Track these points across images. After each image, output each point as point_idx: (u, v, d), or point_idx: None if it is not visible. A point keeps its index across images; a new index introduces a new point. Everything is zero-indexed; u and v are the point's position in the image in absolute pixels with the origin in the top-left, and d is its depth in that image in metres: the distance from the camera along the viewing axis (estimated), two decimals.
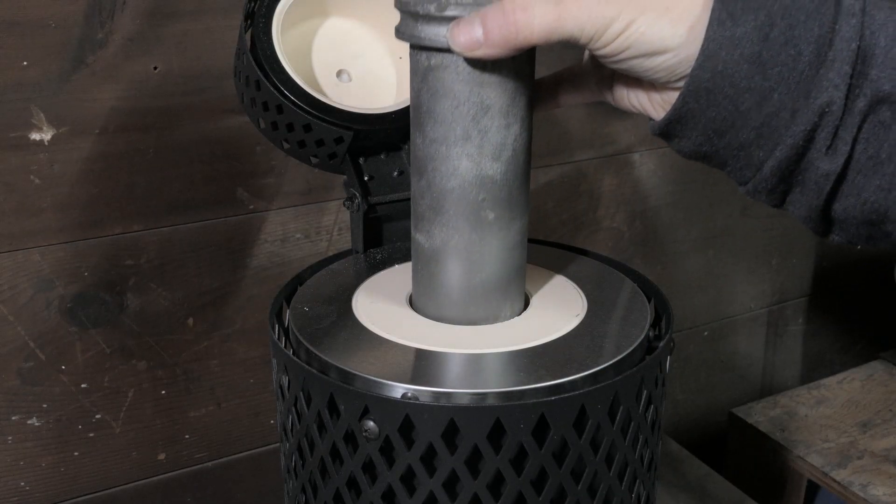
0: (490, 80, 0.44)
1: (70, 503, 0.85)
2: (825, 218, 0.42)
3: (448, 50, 0.43)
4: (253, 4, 0.58)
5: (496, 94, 0.45)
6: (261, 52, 0.56)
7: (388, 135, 0.59)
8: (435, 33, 0.43)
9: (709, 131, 0.41)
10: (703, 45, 0.39)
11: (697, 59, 0.39)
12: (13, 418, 0.80)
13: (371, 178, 0.59)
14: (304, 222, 0.88)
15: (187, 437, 0.89)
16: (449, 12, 0.42)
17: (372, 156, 0.60)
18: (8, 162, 0.74)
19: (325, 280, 0.56)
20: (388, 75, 0.63)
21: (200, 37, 0.78)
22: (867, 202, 0.39)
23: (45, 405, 0.81)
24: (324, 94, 0.58)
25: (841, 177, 0.40)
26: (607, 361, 0.45)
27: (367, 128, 0.57)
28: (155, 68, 0.77)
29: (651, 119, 0.45)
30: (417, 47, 0.45)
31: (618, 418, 0.44)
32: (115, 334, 0.82)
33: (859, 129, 0.39)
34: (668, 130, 0.42)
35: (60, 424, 0.82)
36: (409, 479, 0.44)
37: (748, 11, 0.39)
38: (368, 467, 0.44)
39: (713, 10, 0.39)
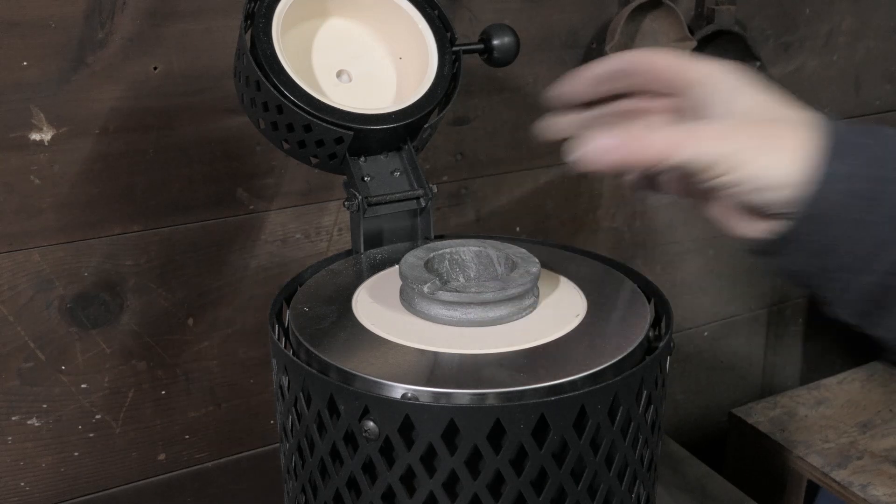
0: None
1: (70, 503, 0.85)
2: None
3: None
4: (253, 5, 0.58)
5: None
6: (261, 52, 0.56)
7: (388, 135, 0.59)
8: (429, 309, 0.49)
9: (814, 251, 0.42)
10: (818, 179, 0.40)
11: (815, 190, 0.40)
12: (13, 418, 0.80)
13: (371, 178, 0.59)
14: (304, 222, 0.88)
15: (187, 437, 0.89)
16: (440, 297, 0.48)
17: (372, 156, 0.60)
18: (8, 162, 0.74)
19: (325, 280, 0.56)
20: (387, 75, 0.63)
21: (200, 37, 0.78)
22: None
23: (45, 405, 0.81)
24: (324, 95, 0.58)
25: None
26: (607, 361, 0.45)
27: (367, 128, 0.57)
28: (155, 68, 0.77)
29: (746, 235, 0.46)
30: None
31: (618, 419, 0.44)
32: (115, 334, 0.82)
33: None
34: (770, 250, 0.44)
35: (60, 425, 0.82)
36: (409, 479, 0.44)
37: (848, 150, 0.40)
38: (368, 467, 0.44)
39: (824, 146, 0.40)
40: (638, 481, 0.48)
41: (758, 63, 1.04)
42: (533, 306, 0.50)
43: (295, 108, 0.55)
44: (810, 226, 0.41)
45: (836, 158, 0.40)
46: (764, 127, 0.42)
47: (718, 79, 0.45)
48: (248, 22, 0.57)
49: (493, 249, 0.52)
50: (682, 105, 0.47)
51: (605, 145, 0.43)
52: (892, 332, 0.43)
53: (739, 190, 0.42)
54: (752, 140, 0.42)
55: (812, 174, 0.40)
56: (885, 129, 0.42)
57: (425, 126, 0.60)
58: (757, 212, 0.44)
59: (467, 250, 0.53)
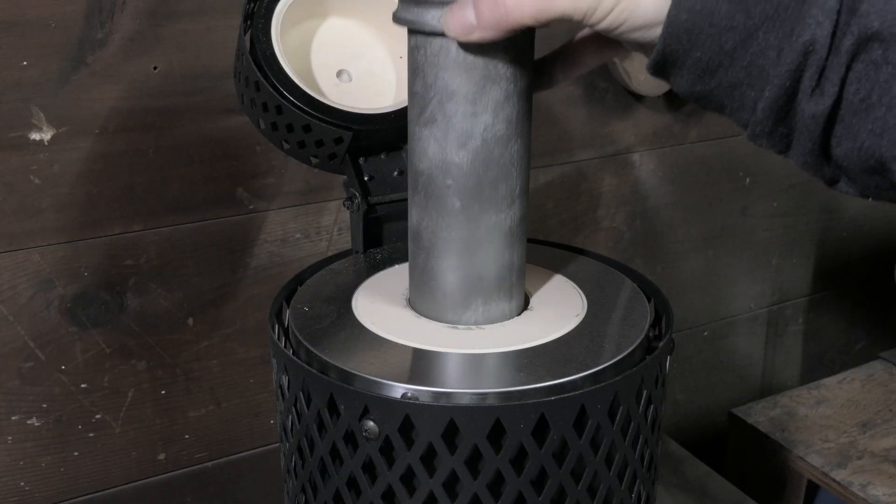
0: (455, 65, 0.44)
1: (70, 503, 0.85)
2: (829, 164, 0.40)
3: (426, 32, 0.43)
4: (252, 5, 0.58)
5: (461, 80, 0.44)
6: (260, 52, 0.56)
7: (388, 135, 0.59)
8: (415, 14, 0.44)
9: (697, 71, 0.40)
10: None
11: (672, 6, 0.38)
12: (13, 418, 0.80)
13: (371, 178, 0.59)
14: (304, 222, 0.88)
15: (187, 437, 0.89)
16: None
17: (372, 156, 0.60)
18: (8, 162, 0.74)
19: (325, 280, 0.56)
20: (387, 75, 0.63)
21: (200, 37, 0.78)
22: (863, 147, 0.37)
23: (45, 405, 0.81)
24: (323, 95, 0.58)
25: (832, 119, 0.38)
26: (607, 361, 0.45)
27: (367, 128, 0.57)
28: (155, 68, 0.77)
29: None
30: (407, 29, 0.45)
31: (618, 418, 0.44)
32: (115, 334, 0.82)
33: (848, 68, 0.36)
34: (658, 72, 0.41)
35: (60, 424, 0.82)
36: (409, 479, 0.44)
37: None
38: (368, 467, 0.44)
39: None
40: (638, 481, 0.48)
41: None
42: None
43: (294, 109, 0.55)
44: (683, 40, 0.39)
45: None
46: None
47: None
48: (248, 22, 0.57)
49: None
50: None
51: (465, 22, 0.41)
52: (799, 153, 0.40)
53: (626, 29, 0.40)
54: None
55: None
56: None
57: None
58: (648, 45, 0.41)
59: None
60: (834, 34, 0.36)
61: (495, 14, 0.40)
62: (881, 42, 0.35)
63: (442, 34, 0.43)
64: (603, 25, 0.40)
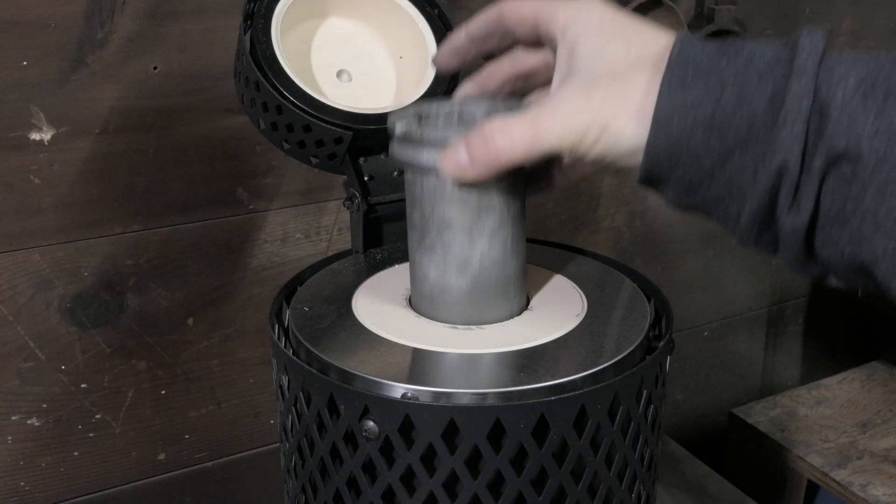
0: (451, 199, 0.46)
1: (70, 503, 0.85)
2: (816, 264, 0.41)
3: (422, 170, 0.46)
4: (252, 5, 0.58)
5: (457, 212, 0.46)
6: (260, 53, 0.56)
7: (388, 135, 0.59)
8: (410, 153, 0.46)
9: (681, 187, 0.42)
10: (654, 115, 0.40)
11: (651, 128, 0.40)
12: (13, 418, 0.80)
13: (371, 178, 0.59)
14: (304, 222, 0.88)
15: (187, 437, 0.89)
16: (412, 134, 0.45)
17: (372, 156, 0.60)
18: (8, 162, 0.74)
19: (325, 280, 0.56)
20: (388, 75, 0.63)
21: (200, 37, 0.78)
22: (844, 253, 0.39)
23: (45, 405, 0.81)
24: (323, 95, 0.58)
25: (812, 229, 0.39)
26: (607, 361, 0.45)
27: (367, 128, 0.57)
28: (155, 68, 0.77)
29: None
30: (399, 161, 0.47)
31: (618, 418, 0.44)
32: (115, 334, 0.82)
33: (821, 184, 0.38)
34: (645, 185, 0.43)
35: (60, 424, 0.82)
36: (409, 479, 0.44)
37: (699, 77, 0.40)
38: (368, 467, 0.44)
39: (663, 80, 0.40)
40: (638, 481, 0.48)
41: None
42: None
43: (294, 109, 0.55)
44: (663, 165, 0.41)
45: (676, 87, 0.40)
46: (617, 84, 0.41)
47: (581, 26, 0.44)
48: (248, 22, 0.57)
49: (504, 107, 0.50)
50: (555, 57, 0.45)
51: (459, 163, 0.43)
52: (787, 258, 0.41)
53: (612, 158, 0.42)
54: (605, 103, 0.41)
55: (655, 122, 0.40)
56: (748, 43, 0.40)
57: None
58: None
59: (478, 107, 0.51)
60: (804, 154, 0.38)
61: (487, 155, 0.42)
62: (849, 160, 0.37)
63: (436, 172, 0.45)
64: (589, 157, 0.42)
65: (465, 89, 0.52)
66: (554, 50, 0.46)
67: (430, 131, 0.45)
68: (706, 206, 0.42)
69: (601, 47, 0.43)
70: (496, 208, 0.47)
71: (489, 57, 0.51)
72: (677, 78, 0.40)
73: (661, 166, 0.41)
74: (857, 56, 0.38)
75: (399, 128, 0.46)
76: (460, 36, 0.50)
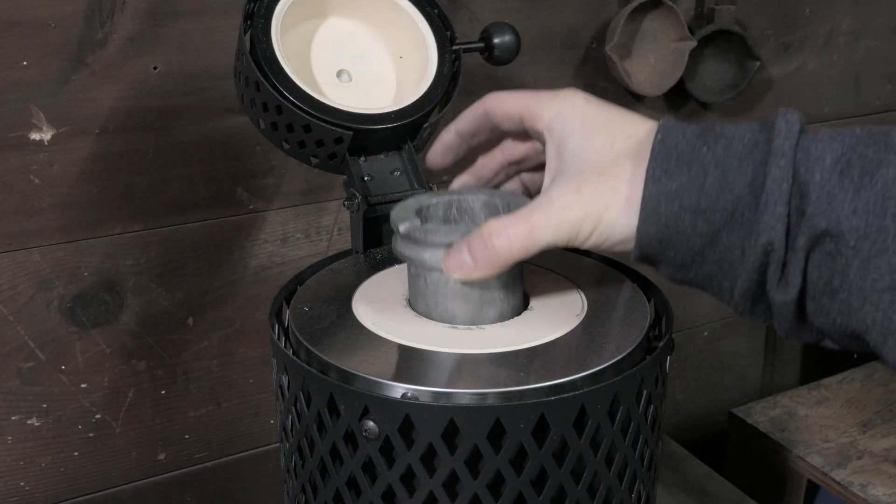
0: (454, 293, 0.48)
1: (70, 503, 0.85)
2: (811, 331, 0.43)
3: (421, 265, 0.48)
4: (252, 5, 0.58)
5: (460, 305, 0.49)
6: (260, 53, 0.56)
7: (387, 135, 0.59)
8: (413, 252, 0.48)
9: (674, 266, 0.44)
10: (642, 203, 0.42)
11: (640, 216, 0.42)
12: (13, 418, 0.80)
13: (371, 178, 0.59)
14: (304, 222, 0.88)
15: (187, 437, 0.89)
16: (415, 235, 0.48)
17: (372, 156, 0.60)
18: (8, 162, 0.74)
19: (325, 280, 0.56)
20: (388, 75, 0.63)
21: (200, 37, 0.78)
22: (836, 323, 0.40)
23: (45, 405, 0.81)
24: (323, 95, 0.58)
25: (803, 300, 0.41)
26: (607, 361, 0.45)
27: (367, 128, 0.57)
28: (155, 68, 0.77)
29: None
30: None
31: (618, 418, 0.44)
32: (115, 334, 0.82)
33: (807, 261, 0.40)
34: (641, 263, 0.46)
35: (60, 424, 0.82)
36: (409, 479, 0.44)
37: (682, 164, 0.42)
38: (368, 467, 0.44)
39: (648, 170, 0.42)
40: (638, 481, 0.48)
41: (758, 63, 1.04)
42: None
43: (294, 109, 0.55)
44: (654, 247, 0.43)
45: (661, 176, 0.42)
46: (605, 177, 0.44)
47: (566, 122, 0.46)
48: (248, 22, 0.57)
49: (500, 200, 0.52)
50: (544, 149, 0.48)
51: (463, 265, 0.45)
52: (781, 328, 0.43)
53: (607, 247, 0.45)
54: (594, 197, 0.44)
55: (643, 210, 0.42)
56: (727, 127, 0.43)
57: (425, 125, 0.60)
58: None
59: (476, 198, 0.52)
60: (788, 234, 0.40)
61: (488, 256, 0.45)
62: (831, 237, 0.39)
63: (439, 270, 0.47)
64: (586, 246, 0.45)
65: (461, 179, 0.55)
66: (541, 141, 0.48)
67: (433, 235, 0.47)
68: (700, 282, 0.44)
69: (586, 142, 0.45)
70: (497, 300, 0.49)
71: (480, 149, 0.54)
72: (661, 167, 0.42)
73: (653, 249, 0.43)
74: (833, 133, 0.40)
75: (402, 228, 0.48)
76: (450, 134, 0.53)
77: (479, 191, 0.53)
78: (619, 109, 0.47)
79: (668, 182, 0.42)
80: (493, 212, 0.52)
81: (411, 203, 0.51)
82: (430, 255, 0.48)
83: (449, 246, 0.47)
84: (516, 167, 0.54)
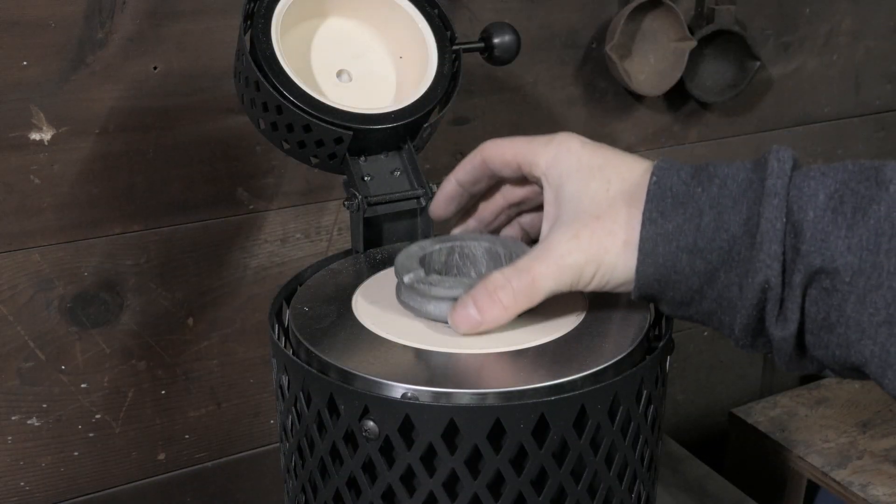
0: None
1: (70, 503, 0.85)
2: (811, 363, 0.43)
3: (421, 315, 0.49)
4: (252, 5, 0.58)
5: None
6: (260, 53, 0.56)
7: (387, 134, 0.59)
8: (418, 303, 0.49)
9: (674, 304, 0.45)
10: (639, 245, 0.43)
11: (638, 257, 0.43)
12: (13, 418, 0.80)
13: (371, 177, 0.59)
14: (304, 222, 0.88)
15: (187, 437, 0.89)
16: (420, 288, 0.48)
17: (372, 156, 0.60)
18: (8, 162, 0.74)
19: (325, 280, 0.56)
20: (388, 75, 0.63)
21: (200, 37, 0.78)
22: (835, 356, 0.41)
23: (45, 405, 0.81)
24: (323, 95, 0.58)
25: (802, 334, 0.42)
26: (607, 361, 0.45)
27: (367, 128, 0.57)
28: (155, 68, 0.77)
29: None
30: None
31: (618, 418, 0.44)
32: (115, 334, 0.82)
33: (804, 297, 0.41)
34: (643, 301, 0.47)
35: (60, 424, 0.82)
36: (409, 479, 0.44)
37: (677, 206, 0.43)
38: (368, 467, 0.44)
39: (644, 212, 0.43)
40: (638, 481, 0.48)
41: (758, 63, 1.04)
42: None
43: (294, 109, 0.55)
44: (654, 287, 0.44)
45: (657, 218, 0.43)
46: (601, 221, 0.45)
47: (563, 169, 0.47)
48: (248, 22, 0.57)
49: (501, 247, 0.52)
50: (543, 193, 0.49)
51: (470, 320, 0.46)
52: (782, 361, 0.44)
53: (610, 288, 0.46)
54: (593, 242, 0.44)
55: (641, 251, 0.43)
56: (720, 167, 0.43)
57: (425, 125, 0.60)
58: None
59: (478, 245, 0.53)
60: (784, 272, 0.41)
61: (495, 310, 0.46)
62: (827, 274, 0.40)
63: (444, 321, 0.48)
64: (589, 290, 0.46)
65: (463, 225, 0.56)
66: (539, 185, 0.49)
67: (437, 288, 0.48)
68: (701, 318, 0.45)
69: (582, 187, 0.46)
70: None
71: (482, 195, 0.55)
72: (657, 209, 0.43)
73: (652, 289, 0.44)
74: (825, 169, 0.41)
75: (407, 279, 0.49)
76: (451, 184, 0.54)
77: (480, 237, 0.54)
78: (614, 151, 0.47)
79: (664, 223, 0.43)
80: (495, 259, 0.52)
81: (414, 250, 0.52)
82: (434, 307, 0.48)
83: (453, 300, 0.47)
84: (517, 209, 0.55)
